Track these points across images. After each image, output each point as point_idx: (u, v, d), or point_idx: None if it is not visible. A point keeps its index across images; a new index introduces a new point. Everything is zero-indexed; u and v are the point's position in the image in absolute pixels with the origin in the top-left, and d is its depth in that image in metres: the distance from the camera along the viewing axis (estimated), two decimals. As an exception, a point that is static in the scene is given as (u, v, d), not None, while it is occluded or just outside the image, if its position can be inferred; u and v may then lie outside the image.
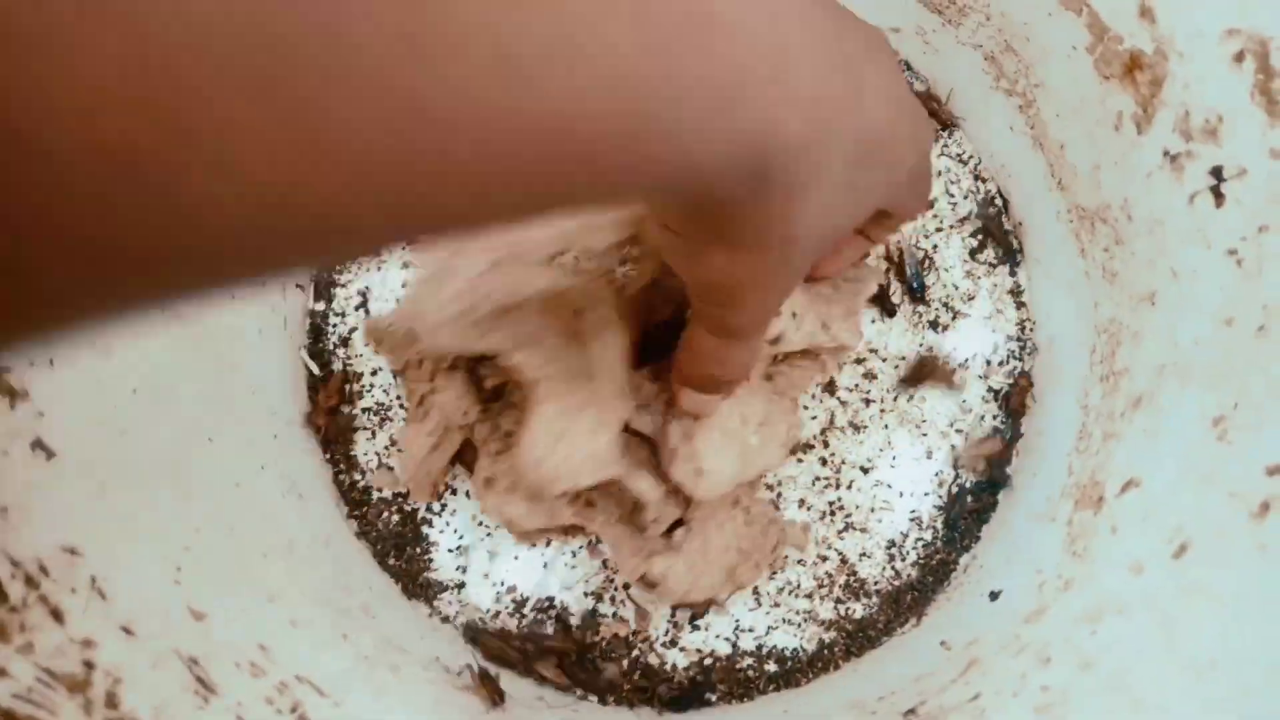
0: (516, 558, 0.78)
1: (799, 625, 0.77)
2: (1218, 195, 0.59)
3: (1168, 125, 0.62)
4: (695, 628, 0.77)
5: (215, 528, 0.57)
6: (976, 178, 0.84)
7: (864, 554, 0.79)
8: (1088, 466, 0.70)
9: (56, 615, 0.39)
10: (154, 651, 0.44)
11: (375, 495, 0.79)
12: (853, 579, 0.78)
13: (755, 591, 0.78)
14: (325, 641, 0.60)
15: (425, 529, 0.79)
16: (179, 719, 0.42)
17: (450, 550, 0.78)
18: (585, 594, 0.77)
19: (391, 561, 0.79)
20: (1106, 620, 0.59)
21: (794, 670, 0.78)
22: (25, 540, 0.40)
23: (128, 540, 0.47)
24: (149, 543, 0.49)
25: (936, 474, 0.80)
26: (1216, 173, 0.59)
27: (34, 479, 0.43)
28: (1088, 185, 0.71)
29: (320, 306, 0.82)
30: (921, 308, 0.82)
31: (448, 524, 0.79)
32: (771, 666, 0.77)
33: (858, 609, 0.78)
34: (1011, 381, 0.81)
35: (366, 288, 0.82)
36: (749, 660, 0.77)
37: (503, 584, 0.78)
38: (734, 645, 0.77)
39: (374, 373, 0.81)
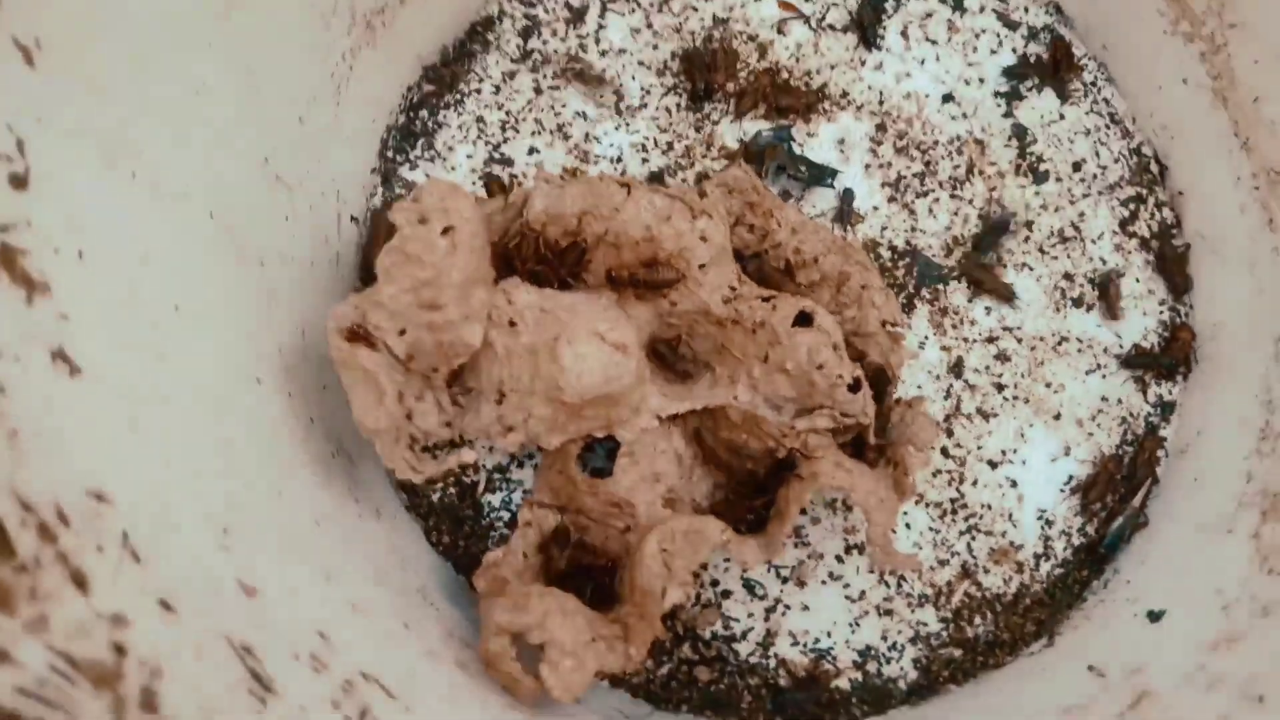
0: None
1: (910, 638, 0.67)
2: None
3: None
4: (790, 637, 0.67)
5: (263, 485, 0.46)
6: (1127, 138, 0.74)
7: (987, 561, 0.68)
8: (1278, 473, 0.60)
9: (79, 580, 0.29)
10: (199, 635, 0.33)
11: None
12: (974, 589, 0.68)
13: (861, 595, 0.68)
14: (388, 631, 0.49)
15: (487, 499, 0.68)
16: (233, 728, 0.31)
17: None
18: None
19: (445, 540, 0.68)
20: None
21: (901, 689, 0.67)
22: (40, 476, 0.29)
23: (167, 489, 0.37)
24: (191, 495, 0.38)
25: (1074, 473, 0.70)
26: None
27: (54, 398, 0.32)
28: (1289, 144, 0.61)
29: (376, 245, 0.71)
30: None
31: (510, 497, 0.68)
32: (872, 680, 0.67)
33: (978, 623, 0.68)
34: (1161, 371, 0.71)
35: (430, 227, 0.72)
36: (851, 676, 0.66)
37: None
38: (831, 658, 0.66)
39: (433, 324, 0.70)
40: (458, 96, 0.74)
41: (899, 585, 0.68)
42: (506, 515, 0.68)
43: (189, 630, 0.33)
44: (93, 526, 0.31)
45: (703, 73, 0.72)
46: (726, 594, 0.67)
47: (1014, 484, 0.70)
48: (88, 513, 0.31)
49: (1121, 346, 0.71)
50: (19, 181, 0.33)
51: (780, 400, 0.62)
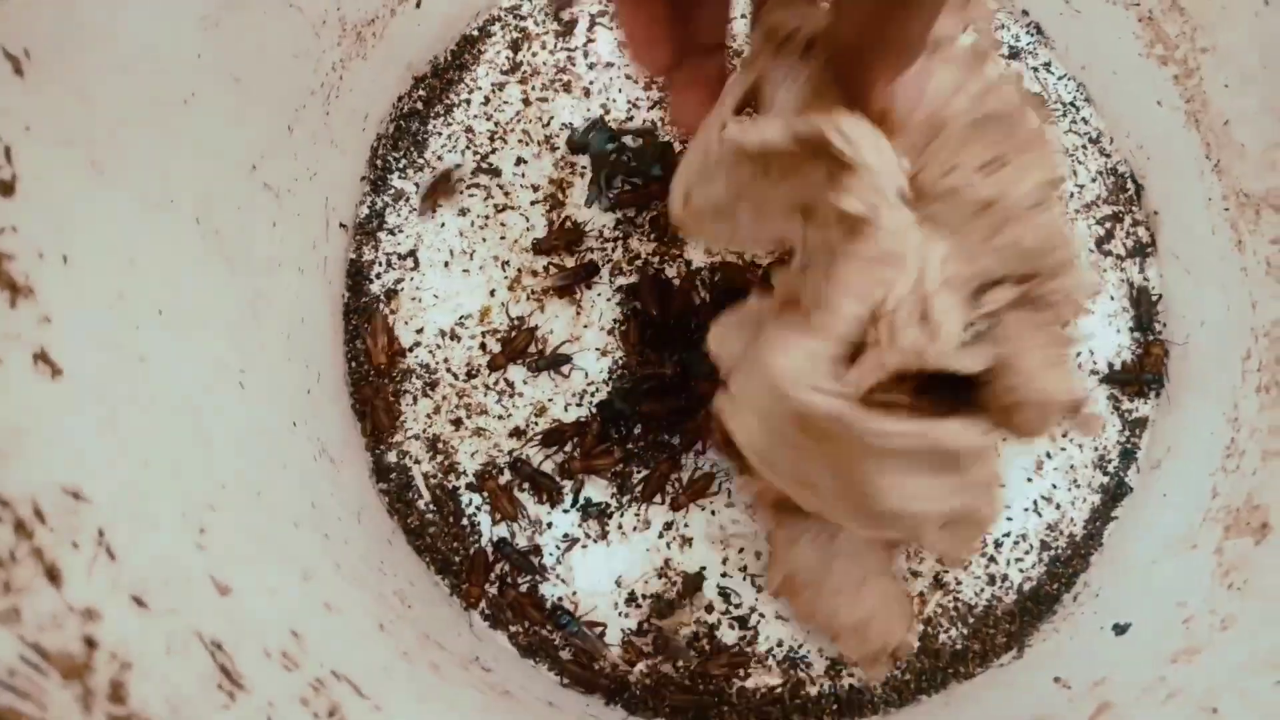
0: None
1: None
2: None
3: (1385, 94, 0.53)
4: (764, 644, 0.68)
5: (242, 486, 0.47)
6: (1105, 157, 0.75)
7: (959, 573, 0.69)
8: (1241, 489, 0.61)
9: (52, 574, 0.30)
10: (171, 631, 0.34)
11: (412, 468, 0.70)
12: (947, 600, 0.69)
13: (835, 606, 0.69)
14: (363, 632, 0.50)
15: (465, 506, 0.69)
16: (200, 720, 0.32)
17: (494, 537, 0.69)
18: (644, 597, 0.68)
19: (426, 543, 0.69)
20: (1288, 668, 0.50)
21: (873, 698, 0.68)
22: (18, 474, 0.31)
23: (144, 488, 0.38)
24: (169, 495, 0.40)
25: (1045, 489, 0.71)
26: None
27: (34, 400, 0.33)
28: (1257, 167, 0.62)
29: (369, 254, 0.72)
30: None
31: (486, 502, 0.69)
32: (844, 689, 0.67)
33: (952, 635, 0.69)
34: (1136, 388, 0.72)
35: (419, 236, 0.73)
36: (822, 685, 0.67)
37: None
38: (805, 665, 0.67)
39: (419, 331, 0.72)
40: (447, 106, 0.75)
41: (872, 595, 0.69)
42: (488, 516, 0.69)
43: (160, 626, 0.34)
44: (69, 523, 0.32)
45: (688, 87, 0.74)
46: (708, 608, 0.68)
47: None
48: (65, 510, 0.32)
49: (1095, 363, 0.72)
50: (6, 188, 0.34)
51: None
